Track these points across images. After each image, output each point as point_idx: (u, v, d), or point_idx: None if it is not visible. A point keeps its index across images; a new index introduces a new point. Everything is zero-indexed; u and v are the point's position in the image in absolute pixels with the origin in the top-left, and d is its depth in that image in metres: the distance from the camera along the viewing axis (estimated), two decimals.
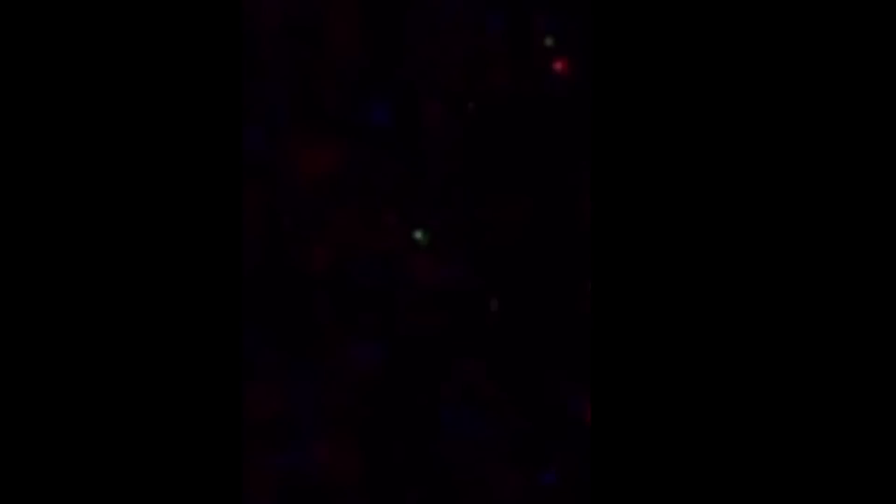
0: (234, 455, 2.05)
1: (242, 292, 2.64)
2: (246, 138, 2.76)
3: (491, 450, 2.76)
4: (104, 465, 2.01)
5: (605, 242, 2.07)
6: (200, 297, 2.05)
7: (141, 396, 2.02)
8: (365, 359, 2.78)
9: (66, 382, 2.01)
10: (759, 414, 2.02)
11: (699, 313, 2.04)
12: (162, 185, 2.05)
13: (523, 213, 2.85)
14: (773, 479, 2.02)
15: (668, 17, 2.06)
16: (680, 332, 2.04)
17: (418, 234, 2.83)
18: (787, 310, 2.03)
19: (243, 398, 2.69)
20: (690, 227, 2.05)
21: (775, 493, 2.02)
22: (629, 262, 2.05)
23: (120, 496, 2.01)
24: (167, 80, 2.06)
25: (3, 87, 2.04)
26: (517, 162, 2.83)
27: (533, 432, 2.77)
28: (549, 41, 2.86)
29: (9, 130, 2.04)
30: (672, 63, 2.06)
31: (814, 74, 2.05)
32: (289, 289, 2.81)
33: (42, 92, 2.05)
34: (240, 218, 2.14)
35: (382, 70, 2.84)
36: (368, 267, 2.81)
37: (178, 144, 2.05)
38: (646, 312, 2.04)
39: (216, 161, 2.07)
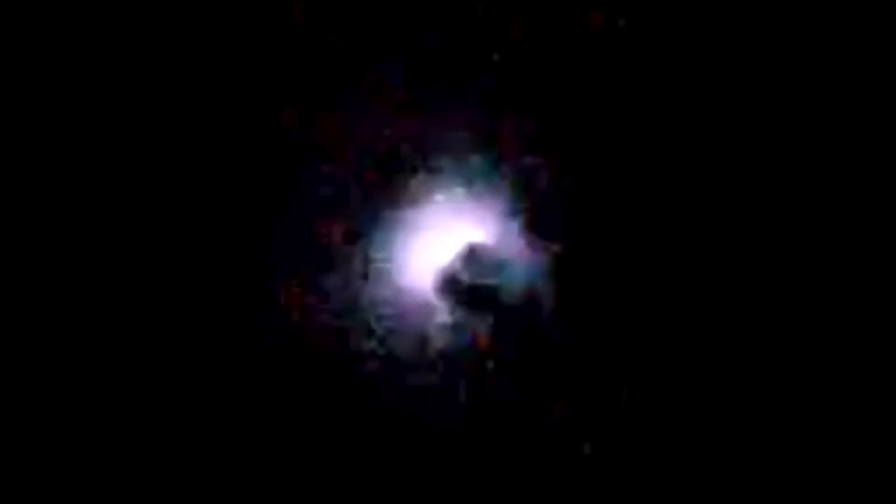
0: None
1: None
2: None
3: None
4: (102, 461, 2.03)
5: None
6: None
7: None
8: None
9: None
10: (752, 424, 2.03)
11: (698, 315, 2.05)
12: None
13: None
14: (768, 478, 2.03)
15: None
16: (678, 335, 2.05)
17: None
18: (777, 327, 2.03)
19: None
20: (690, 233, 2.06)
21: (772, 493, 2.02)
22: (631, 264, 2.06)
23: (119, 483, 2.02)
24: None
25: (5, 88, 2.06)
26: None
27: None
28: None
29: (9, 131, 2.06)
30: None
31: (807, 85, 2.06)
32: None
33: (41, 92, 2.07)
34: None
35: None
36: None
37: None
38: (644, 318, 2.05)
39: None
